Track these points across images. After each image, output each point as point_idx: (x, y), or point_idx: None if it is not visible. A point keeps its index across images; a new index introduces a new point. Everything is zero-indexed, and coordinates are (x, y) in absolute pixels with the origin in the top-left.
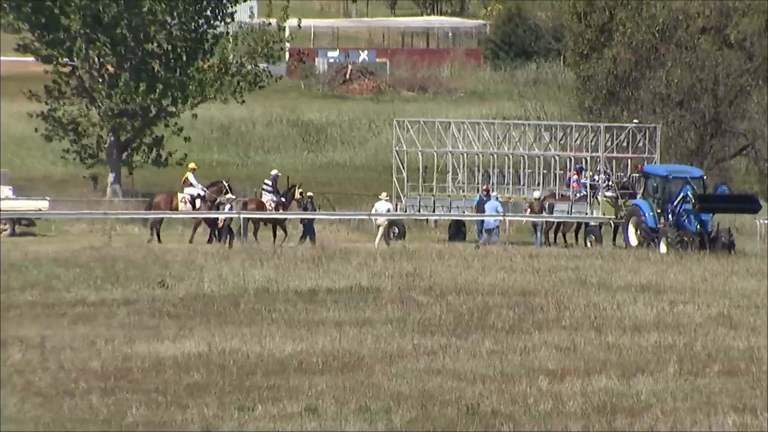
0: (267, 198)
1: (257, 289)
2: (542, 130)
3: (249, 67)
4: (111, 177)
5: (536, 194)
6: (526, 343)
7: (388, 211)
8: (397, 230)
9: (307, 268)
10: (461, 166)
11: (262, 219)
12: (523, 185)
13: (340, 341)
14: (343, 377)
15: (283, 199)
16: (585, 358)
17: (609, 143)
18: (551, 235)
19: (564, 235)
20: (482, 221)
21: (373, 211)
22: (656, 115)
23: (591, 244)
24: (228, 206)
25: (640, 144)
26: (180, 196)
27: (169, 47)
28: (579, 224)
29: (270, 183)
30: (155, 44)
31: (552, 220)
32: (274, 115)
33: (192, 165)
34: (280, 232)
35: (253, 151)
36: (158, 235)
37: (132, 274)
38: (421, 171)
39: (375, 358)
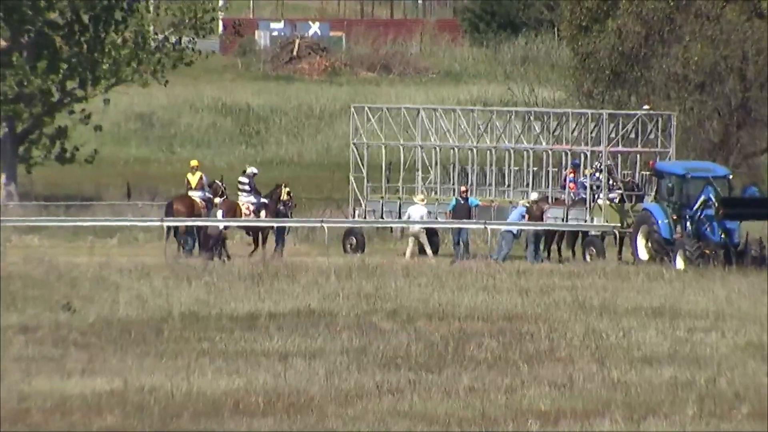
0: (244, 200)
1: (184, 313)
2: (532, 118)
3: (173, 41)
4: (3, 177)
5: (534, 196)
6: (512, 378)
7: (422, 218)
8: (354, 241)
9: (245, 287)
10: (433, 163)
11: (243, 227)
12: (509, 186)
13: (286, 377)
14: (290, 421)
15: (265, 201)
16: (584, 397)
17: (613, 135)
18: (541, 247)
19: (558, 248)
20: (459, 231)
21: (405, 217)
22: (671, 101)
23: (591, 258)
24: (220, 212)
25: (652, 136)
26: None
27: (74, 17)
28: (576, 234)
29: (246, 181)
30: (57, 13)
31: (543, 228)
32: (204, 100)
33: (194, 163)
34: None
35: (178, 145)
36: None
37: (31, 295)
38: (384, 169)
39: (328, 397)
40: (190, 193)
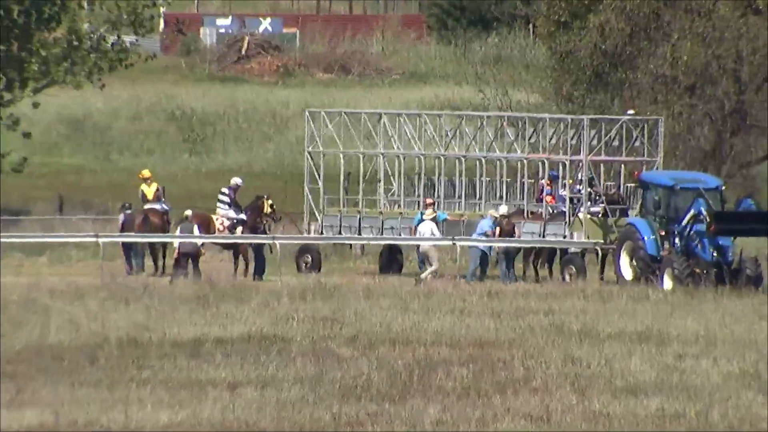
0: (221, 212)
1: (122, 339)
2: (505, 124)
3: (110, 40)
4: None
5: (503, 209)
6: (483, 410)
7: (432, 233)
8: (310, 259)
9: (189, 310)
10: (397, 173)
11: (218, 243)
12: (480, 199)
13: (234, 409)
14: None
15: (243, 217)
16: (563, 430)
17: (595, 142)
18: (515, 266)
19: (534, 266)
20: (258, 247)
21: (418, 235)
22: (658, 105)
23: (570, 278)
24: (196, 226)
25: (637, 143)
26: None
27: (1, 12)
28: (554, 251)
29: (228, 193)
30: None
31: (518, 245)
32: (144, 104)
33: (146, 173)
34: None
35: (116, 152)
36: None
37: None
38: (342, 179)
39: (281, 431)
40: (149, 206)
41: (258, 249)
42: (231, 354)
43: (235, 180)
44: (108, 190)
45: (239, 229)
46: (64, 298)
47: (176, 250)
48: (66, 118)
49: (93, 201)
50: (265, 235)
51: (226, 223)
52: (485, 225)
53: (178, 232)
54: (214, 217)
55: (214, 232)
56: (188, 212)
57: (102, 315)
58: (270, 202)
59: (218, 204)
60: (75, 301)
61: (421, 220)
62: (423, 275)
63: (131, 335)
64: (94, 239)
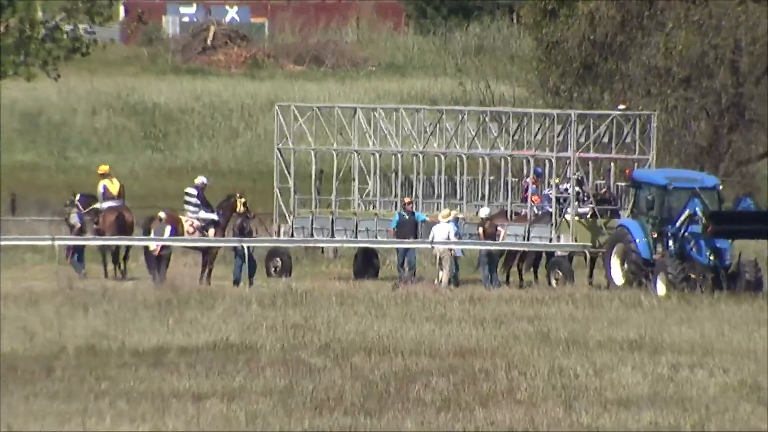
0: (190, 214)
1: (79, 348)
2: (488, 119)
3: (66, 29)
4: None
5: (483, 212)
6: (465, 424)
7: (449, 237)
8: (279, 262)
9: (151, 316)
10: (372, 171)
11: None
12: (461, 198)
13: (199, 422)
14: None
15: (215, 217)
16: None
17: (583, 138)
18: (501, 270)
19: (519, 270)
20: (405, 251)
21: (430, 237)
22: (651, 98)
23: (557, 283)
24: (168, 227)
25: (628, 139)
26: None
27: None
28: (540, 254)
29: (194, 193)
30: None
31: (501, 248)
32: (103, 97)
33: (105, 168)
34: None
35: (73, 149)
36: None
37: None
38: (314, 178)
39: None
40: (114, 203)
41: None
42: (196, 364)
43: (201, 179)
44: (64, 189)
45: (212, 230)
46: (18, 304)
47: (156, 251)
48: (19, 112)
49: (48, 201)
50: (234, 238)
51: (197, 224)
52: (444, 230)
53: (153, 234)
54: (182, 218)
55: (183, 234)
56: (162, 213)
57: (58, 322)
58: (243, 200)
59: (186, 205)
60: (29, 307)
61: (403, 220)
62: (438, 281)
63: (89, 343)
64: (49, 242)
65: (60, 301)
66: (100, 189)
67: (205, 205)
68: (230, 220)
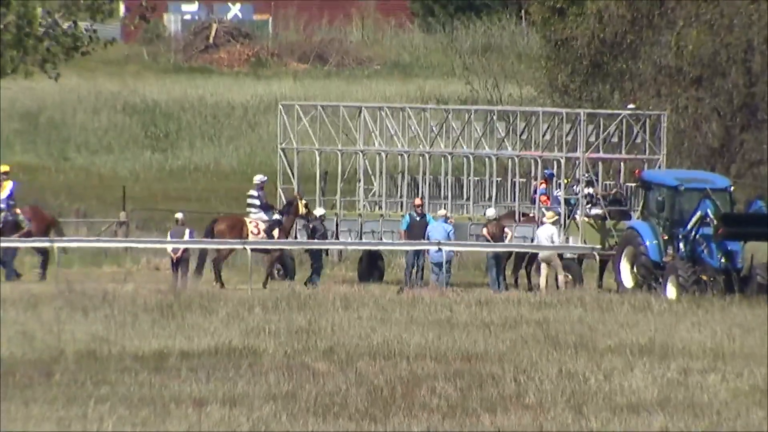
0: (254, 216)
1: (79, 352)
2: (495, 118)
3: (66, 26)
4: None
5: (490, 213)
6: (472, 429)
7: (552, 240)
8: (281, 267)
9: (152, 321)
10: (378, 172)
11: (255, 249)
12: (468, 200)
13: (201, 428)
14: None
15: (278, 217)
16: None
17: (593, 138)
18: (508, 273)
19: (527, 273)
20: (414, 253)
21: (534, 242)
22: (662, 98)
23: (566, 286)
24: (188, 231)
25: (638, 140)
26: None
27: None
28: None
29: (257, 194)
30: None
31: (509, 250)
32: (103, 97)
33: (5, 168)
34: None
35: (73, 149)
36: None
37: None
38: (318, 178)
39: None
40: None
41: (317, 255)
42: (197, 368)
43: (259, 177)
44: (63, 190)
45: (276, 231)
46: (17, 307)
47: (176, 255)
48: (18, 111)
49: (47, 202)
50: (238, 240)
51: (262, 226)
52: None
53: (169, 237)
54: (247, 220)
55: (247, 238)
56: (179, 215)
57: (58, 326)
58: (304, 202)
59: (249, 207)
60: (28, 310)
61: (413, 222)
62: (560, 284)
63: (89, 348)
64: (48, 244)
65: (59, 305)
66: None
67: (267, 206)
68: (294, 222)
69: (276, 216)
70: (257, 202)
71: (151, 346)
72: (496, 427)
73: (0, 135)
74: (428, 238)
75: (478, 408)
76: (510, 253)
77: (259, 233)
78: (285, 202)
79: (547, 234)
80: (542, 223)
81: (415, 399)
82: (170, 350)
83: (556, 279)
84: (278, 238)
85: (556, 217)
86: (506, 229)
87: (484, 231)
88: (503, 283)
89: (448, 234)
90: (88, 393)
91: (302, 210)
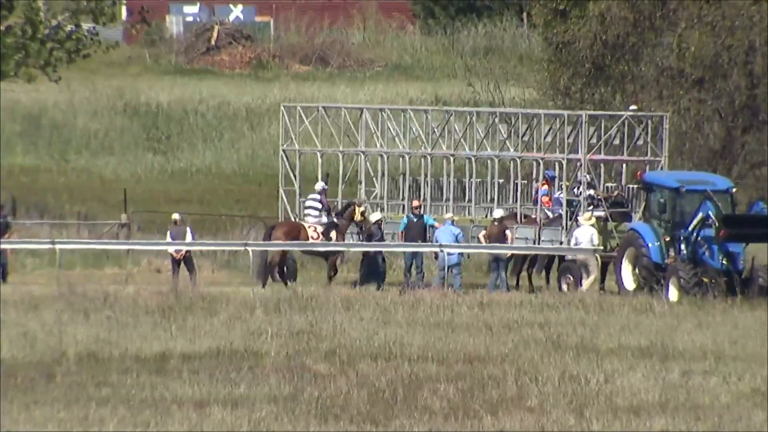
0: (312, 220)
1: (81, 354)
2: (497, 120)
3: (68, 29)
4: None
5: (497, 213)
6: (473, 431)
7: (592, 242)
8: (284, 267)
9: (153, 323)
10: (380, 174)
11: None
12: (470, 201)
13: (203, 428)
14: None
15: (335, 221)
16: None
17: (594, 140)
18: (507, 275)
19: (529, 275)
20: (412, 255)
21: (572, 242)
22: (663, 100)
23: (568, 288)
24: (189, 230)
25: (640, 141)
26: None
27: None
28: (552, 259)
29: (318, 198)
30: None
31: (510, 251)
32: (105, 99)
33: None
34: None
35: (74, 151)
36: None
37: None
38: (320, 180)
39: None
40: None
41: (373, 257)
42: (199, 370)
43: (321, 184)
44: (65, 192)
45: (333, 234)
46: (18, 309)
47: (178, 255)
48: (20, 114)
49: (49, 204)
50: (238, 242)
51: (320, 229)
52: (448, 233)
53: (168, 238)
54: (305, 225)
55: (306, 240)
56: (176, 216)
57: (59, 328)
58: (361, 209)
59: (307, 211)
60: (29, 312)
61: (411, 223)
62: (584, 287)
63: (90, 350)
64: (50, 246)
65: (61, 307)
66: None
67: (328, 210)
68: (348, 226)
69: (334, 220)
70: (318, 205)
71: (153, 348)
72: (497, 429)
73: (1, 137)
74: (437, 242)
75: (480, 410)
76: (512, 255)
77: (318, 237)
78: (343, 206)
79: (587, 235)
80: (578, 225)
81: (417, 401)
82: (171, 352)
83: (581, 280)
84: (335, 239)
85: (593, 219)
86: (507, 231)
87: (481, 234)
88: (504, 285)
89: (457, 237)
90: (89, 394)
91: (358, 216)
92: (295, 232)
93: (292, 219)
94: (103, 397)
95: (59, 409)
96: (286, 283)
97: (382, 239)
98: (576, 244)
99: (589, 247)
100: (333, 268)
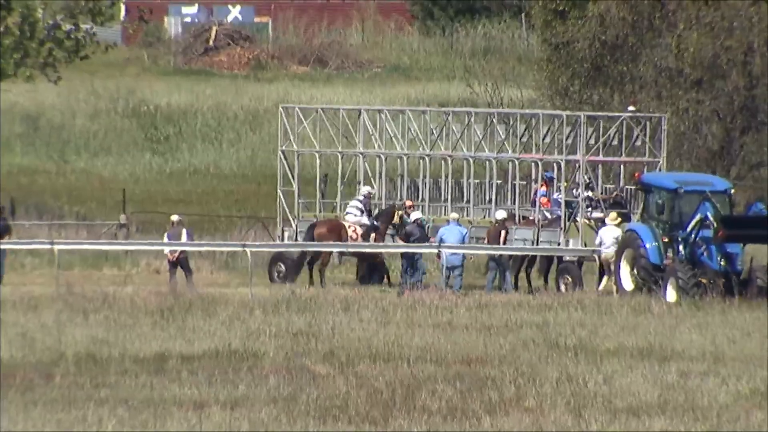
0: (353, 219)
1: (79, 355)
2: (495, 121)
3: (67, 29)
4: None
5: (500, 214)
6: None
7: (617, 240)
8: (283, 268)
9: (152, 323)
10: (378, 174)
11: (353, 252)
12: (468, 202)
13: (202, 429)
14: None
15: (376, 223)
16: None
17: (593, 141)
18: (508, 276)
19: (527, 276)
20: (410, 256)
21: (596, 241)
22: (662, 101)
23: (566, 288)
24: (186, 231)
25: (638, 142)
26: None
27: None
28: (551, 260)
29: (362, 200)
30: None
31: (508, 252)
32: (103, 99)
33: None
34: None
35: (73, 152)
36: (320, 276)
37: None
38: (318, 181)
39: None
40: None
41: (412, 256)
42: (198, 371)
43: (367, 188)
44: (63, 193)
45: (373, 235)
46: (17, 309)
47: (172, 257)
48: (18, 114)
49: (47, 205)
50: (237, 242)
51: (360, 230)
52: (456, 233)
53: (166, 238)
54: (345, 224)
55: (347, 241)
56: (175, 217)
57: (58, 328)
58: (400, 213)
59: (349, 210)
60: (28, 313)
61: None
62: (601, 287)
63: (89, 350)
64: (49, 246)
65: (59, 307)
66: None
67: (369, 213)
68: (387, 228)
69: (374, 222)
70: (361, 206)
71: (151, 349)
72: (496, 430)
73: (0, 137)
74: (442, 242)
75: (478, 410)
76: (510, 255)
77: (357, 237)
78: (383, 209)
79: (613, 236)
80: (604, 224)
81: (416, 401)
82: (170, 353)
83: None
84: (374, 241)
85: (619, 219)
86: (501, 232)
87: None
88: (508, 285)
89: (464, 237)
90: (88, 395)
91: (396, 219)
92: (337, 230)
93: (291, 219)
94: (102, 398)
95: (58, 410)
96: (323, 284)
97: (422, 239)
98: (600, 244)
99: (587, 249)
100: (383, 266)
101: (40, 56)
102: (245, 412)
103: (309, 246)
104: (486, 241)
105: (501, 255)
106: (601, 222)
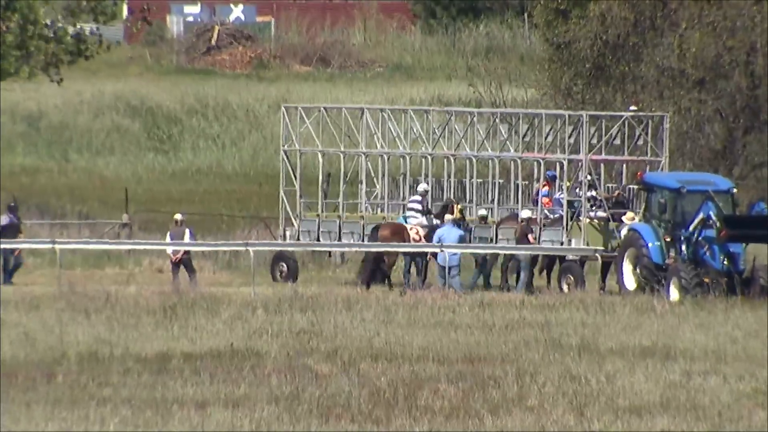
0: (415, 221)
1: (81, 354)
2: (498, 120)
3: (69, 29)
4: None
5: (525, 213)
6: (474, 431)
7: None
8: (285, 267)
9: (154, 322)
10: (380, 174)
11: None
12: (470, 201)
13: (204, 428)
14: None
15: (436, 222)
16: None
17: (595, 140)
18: (509, 276)
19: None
20: (412, 255)
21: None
22: (664, 100)
23: (568, 288)
24: (188, 231)
25: (641, 141)
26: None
27: None
28: (553, 259)
29: (419, 200)
30: None
31: (509, 252)
32: (105, 99)
33: None
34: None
35: (75, 151)
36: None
37: None
38: (321, 181)
39: None
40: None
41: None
42: (200, 370)
43: (423, 186)
44: (65, 192)
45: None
46: (19, 309)
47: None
48: (20, 114)
49: (49, 204)
50: (239, 242)
51: (422, 232)
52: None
53: (168, 238)
54: (408, 226)
55: (409, 241)
56: (178, 216)
57: (60, 328)
58: (459, 207)
59: (409, 213)
60: (30, 312)
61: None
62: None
63: (91, 350)
64: (50, 246)
65: (61, 307)
66: None
67: (428, 212)
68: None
69: (434, 222)
70: (419, 207)
71: (154, 348)
72: (498, 429)
73: (2, 137)
74: (440, 242)
75: (481, 410)
76: (512, 256)
77: (420, 238)
78: (441, 206)
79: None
80: (622, 223)
81: (418, 401)
82: (173, 352)
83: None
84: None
85: (637, 219)
86: (500, 231)
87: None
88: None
89: (460, 238)
90: (90, 394)
91: (457, 215)
92: (400, 232)
93: (293, 219)
94: (104, 397)
95: (60, 409)
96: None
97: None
98: None
99: (589, 248)
100: (426, 267)
101: (41, 54)
102: (247, 412)
103: (309, 246)
104: (516, 242)
105: (486, 255)
106: (606, 221)
